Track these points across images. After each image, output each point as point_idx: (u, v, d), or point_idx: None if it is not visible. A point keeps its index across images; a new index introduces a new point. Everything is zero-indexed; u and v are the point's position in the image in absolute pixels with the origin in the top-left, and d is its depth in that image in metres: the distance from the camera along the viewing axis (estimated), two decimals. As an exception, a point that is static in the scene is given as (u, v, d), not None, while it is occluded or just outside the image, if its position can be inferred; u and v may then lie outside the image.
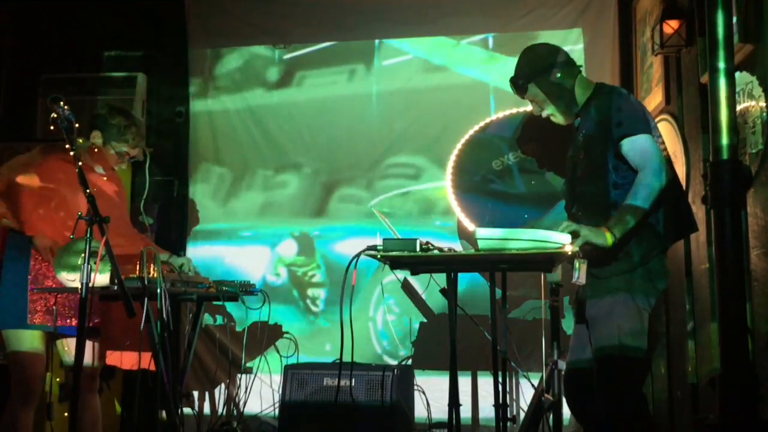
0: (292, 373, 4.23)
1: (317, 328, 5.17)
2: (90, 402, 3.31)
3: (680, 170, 3.79)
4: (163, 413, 3.20)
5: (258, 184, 5.40)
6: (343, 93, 5.40)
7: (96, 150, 3.35)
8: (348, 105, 5.39)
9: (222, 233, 5.40)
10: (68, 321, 3.21)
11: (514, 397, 4.70)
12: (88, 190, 2.75)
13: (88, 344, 3.26)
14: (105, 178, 3.39)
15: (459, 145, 4.70)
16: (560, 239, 2.55)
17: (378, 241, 2.62)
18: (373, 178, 5.27)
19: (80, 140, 2.89)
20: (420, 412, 4.38)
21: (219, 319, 5.17)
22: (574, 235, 2.58)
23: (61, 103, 2.80)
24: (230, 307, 5.04)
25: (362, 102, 5.37)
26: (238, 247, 5.37)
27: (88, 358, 3.27)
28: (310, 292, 5.26)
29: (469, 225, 4.52)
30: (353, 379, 4.02)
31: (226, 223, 5.41)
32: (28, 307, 3.16)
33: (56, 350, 3.31)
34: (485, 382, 4.74)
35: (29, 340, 3.15)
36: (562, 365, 3.37)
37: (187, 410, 4.78)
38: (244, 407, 4.81)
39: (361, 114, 5.36)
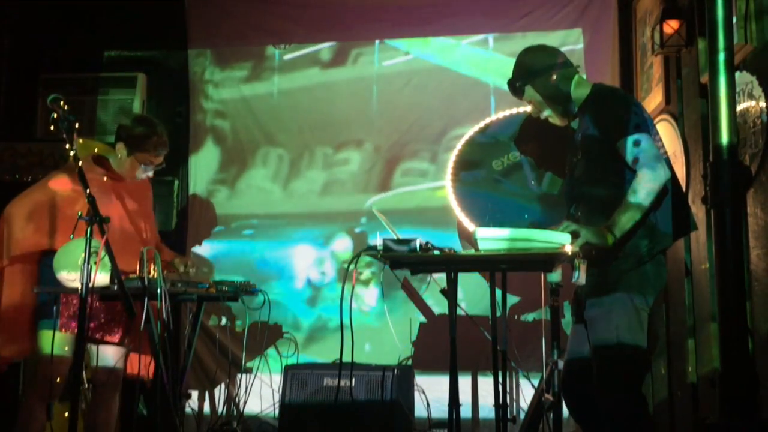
0: (292, 373, 4.23)
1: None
2: (110, 401, 3.40)
3: (680, 170, 3.79)
4: (163, 413, 3.20)
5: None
6: (342, 93, 5.40)
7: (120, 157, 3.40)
8: (348, 105, 5.39)
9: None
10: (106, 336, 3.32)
11: (514, 397, 4.70)
12: (88, 190, 2.76)
13: (118, 349, 3.34)
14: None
15: (459, 145, 4.70)
16: (560, 239, 2.56)
17: (378, 241, 2.62)
18: (373, 179, 5.27)
19: (76, 142, 2.89)
20: (420, 412, 4.38)
21: (221, 319, 5.17)
22: (574, 235, 2.58)
23: (61, 103, 2.80)
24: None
25: (363, 101, 5.37)
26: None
27: (116, 360, 3.34)
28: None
29: (469, 225, 4.52)
30: (353, 379, 4.02)
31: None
32: (60, 313, 3.22)
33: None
34: (485, 382, 4.73)
35: (60, 343, 3.18)
36: (562, 365, 3.38)
37: (187, 410, 4.78)
38: (244, 407, 4.80)
39: (361, 114, 5.36)
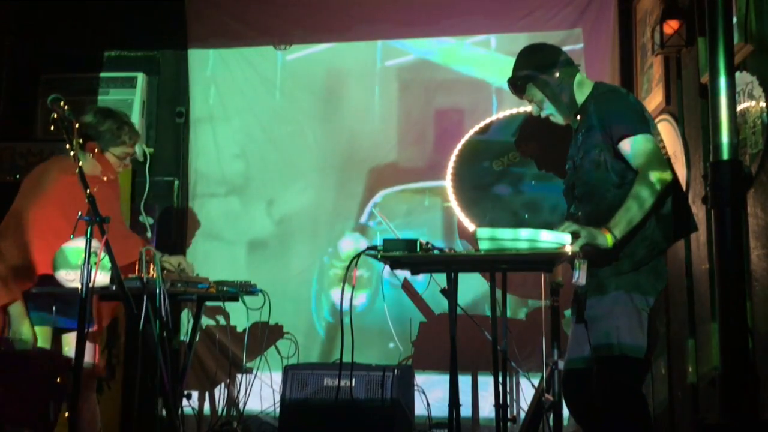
0: (292, 373, 4.23)
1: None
2: (88, 399, 3.34)
3: (680, 170, 3.79)
4: (163, 413, 3.20)
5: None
6: (344, 93, 5.39)
7: (94, 157, 3.34)
8: (350, 105, 5.38)
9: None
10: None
11: (514, 397, 4.70)
12: (88, 190, 2.76)
13: (88, 344, 3.29)
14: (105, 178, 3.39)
15: (460, 146, 4.69)
16: (561, 239, 2.55)
17: (380, 241, 2.62)
18: (374, 179, 5.26)
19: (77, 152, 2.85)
20: (420, 412, 4.37)
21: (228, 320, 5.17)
22: (575, 235, 2.58)
23: (61, 103, 2.80)
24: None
25: (364, 102, 5.37)
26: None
27: (88, 357, 3.30)
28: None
29: (470, 225, 4.52)
30: (353, 379, 4.02)
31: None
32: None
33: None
34: (485, 382, 4.74)
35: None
36: (563, 365, 3.38)
37: (187, 410, 4.78)
38: (244, 407, 4.80)
39: (363, 114, 5.36)
